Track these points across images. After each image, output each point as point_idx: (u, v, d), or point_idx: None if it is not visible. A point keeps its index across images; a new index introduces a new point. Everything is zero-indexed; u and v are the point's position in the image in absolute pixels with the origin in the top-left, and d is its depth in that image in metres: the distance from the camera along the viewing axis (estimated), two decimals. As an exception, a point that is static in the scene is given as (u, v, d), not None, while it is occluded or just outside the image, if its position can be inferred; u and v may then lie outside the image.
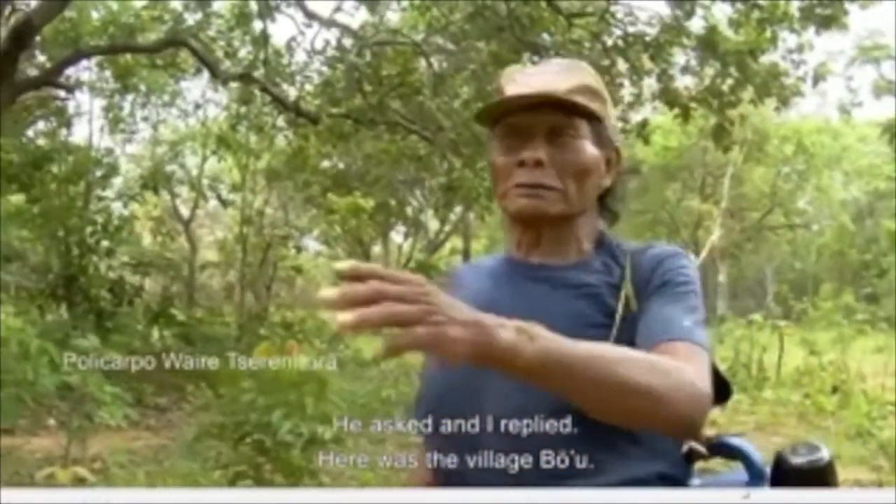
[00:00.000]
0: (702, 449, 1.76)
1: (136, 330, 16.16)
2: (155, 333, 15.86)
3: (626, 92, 15.67)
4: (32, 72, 16.75)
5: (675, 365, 1.55)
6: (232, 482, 5.33)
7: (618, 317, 1.74)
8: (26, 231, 18.53)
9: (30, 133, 20.16)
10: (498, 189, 1.90)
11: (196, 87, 21.04)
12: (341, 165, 22.26)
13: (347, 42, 15.36)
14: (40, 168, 17.87)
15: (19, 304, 17.12)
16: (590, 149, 1.84)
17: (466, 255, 29.61)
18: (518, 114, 1.84)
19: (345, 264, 1.30)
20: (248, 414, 5.91)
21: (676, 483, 1.74)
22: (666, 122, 21.18)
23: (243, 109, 17.60)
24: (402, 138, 16.19)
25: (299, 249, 24.20)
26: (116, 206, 20.43)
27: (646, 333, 1.68)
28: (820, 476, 1.69)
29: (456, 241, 30.67)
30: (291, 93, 16.52)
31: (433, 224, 28.79)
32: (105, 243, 18.43)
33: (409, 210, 27.55)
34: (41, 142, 19.99)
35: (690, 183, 34.71)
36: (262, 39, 15.62)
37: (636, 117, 16.19)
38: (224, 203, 24.12)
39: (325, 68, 16.16)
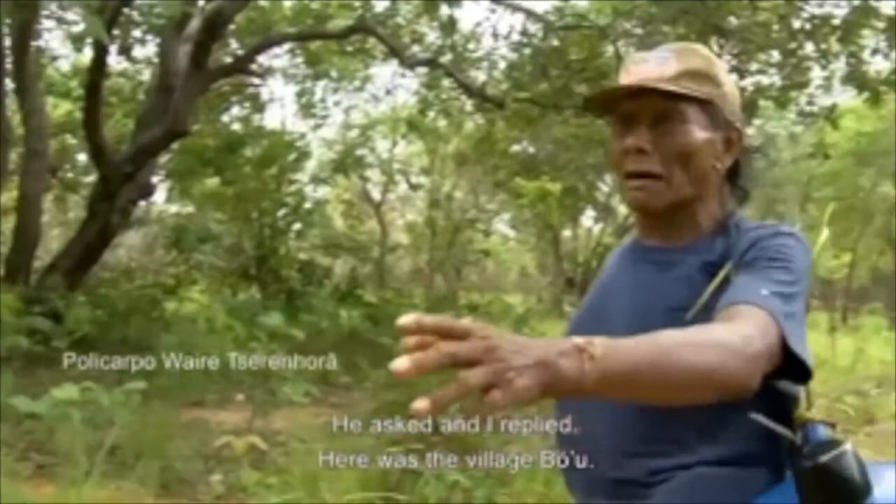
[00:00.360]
0: (787, 432, 1.72)
1: (324, 310, 16.50)
2: (343, 313, 16.16)
3: (815, 75, 15.29)
4: (226, 60, 17.31)
5: (727, 331, 1.54)
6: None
7: (706, 294, 1.75)
8: (221, 213, 19.19)
9: (224, 118, 20.84)
10: (617, 177, 1.94)
11: (386, 72, 21.45)
12: (530, 150, 22.31)
13: (533, 27, 15.39)
14: (235, 152, 18.43)
15: (212, 283, 17.77)
16: (698, 133, 1.84)
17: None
18: (624, 102, 1.86)
19: (408, 318, 1.26)
20: (423, 392, 6.06)
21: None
22: (860, 107, 20.51)
23: (432, 94, 17.79)
24: (589, 122, 16.13)
25: (487, 233, 24.36)
26: (308, 190, 20.99)
27: (722, 302, 1.67)
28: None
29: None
30: (479, 77, 16.64)
31: (623, 208, 28.62)
32: (296, 225, 18.93)
33: (598, 194, 27.41)
34: (235, 127, 20.61)
35: (886, 168, 33.48)
36: (449, 25, 15.76)
37: (826, 101, 15.79)
38: (413, 187, 24.47)
39: (511, 53, 16.23)
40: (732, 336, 1.53)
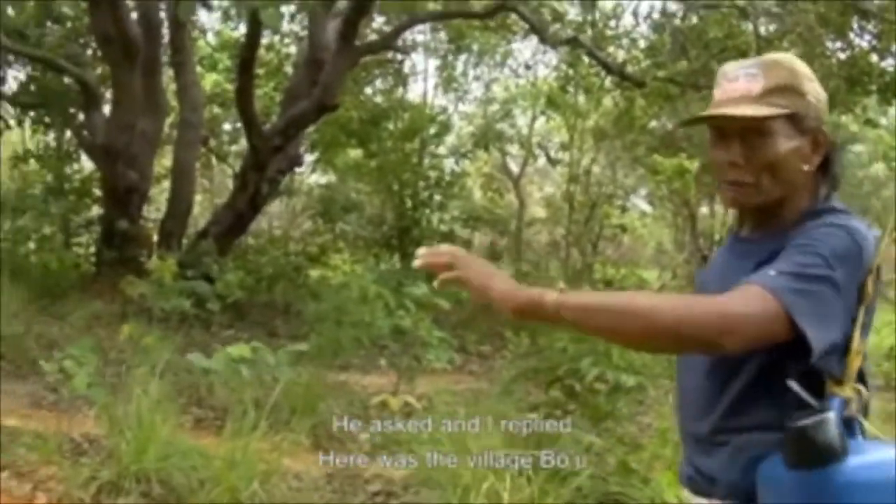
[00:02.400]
0: (811, 401, 1.96)
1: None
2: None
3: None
4: (370, 34, 17.69)
5: (697, 298, 1.95)
6: (544, 422, 5.77)
7: None
8: (363, 184, 19.64)
9: (368, 91, 21.22)
10: (716, 178, 2.25)
11: (527, 48, 21.56)
12: (669, 126, 22.26)
13: (674, 6, 15.45)
14: (377, 125, 18.85)
15: (356, 252, 18.24)
16: (784, 143, 2.11)
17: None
18: (718, 118, 2.15)
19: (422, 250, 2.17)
20: (560, 361, 6.41)
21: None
22: None
23: (572, 71, 17.92)
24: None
25: (624, 208, 24.35)
26: (449, 162, 21.30)
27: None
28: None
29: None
30: (619, 55, 16.74)
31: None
32: (437, 197, 19.27)
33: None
34: (378, 99, 21.00)
35: None
36: (590, 3, 15.89)
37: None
38: (552, 161, 24.58)
39: (650, 32, 16.32)
40: (699, 300, 1.92)
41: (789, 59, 2.23)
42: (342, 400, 7.96)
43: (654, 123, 21.56)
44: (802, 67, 2.21)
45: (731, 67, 2.25)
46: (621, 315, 1.86)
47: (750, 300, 1.87)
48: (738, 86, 2.17)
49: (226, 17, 18.78)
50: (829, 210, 2.15)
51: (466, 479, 4.92)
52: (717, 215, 27.12)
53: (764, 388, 2.04)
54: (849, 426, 1.96)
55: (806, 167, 2.16)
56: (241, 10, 13.50)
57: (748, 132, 2.11)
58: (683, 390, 2.27)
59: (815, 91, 2.19)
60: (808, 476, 1.86)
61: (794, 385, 1.96)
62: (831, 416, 1.88)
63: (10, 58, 16.82)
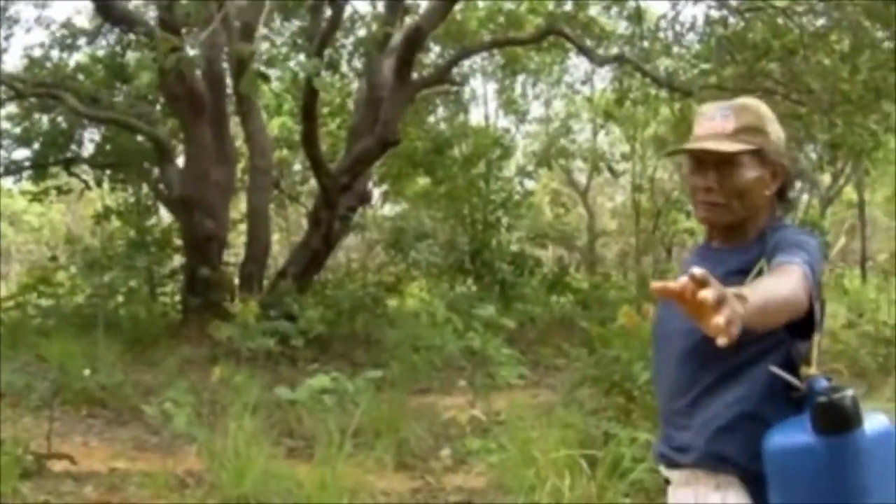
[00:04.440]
0: (798, 383, 2.45)
1: (536, 298, 17.19)
2: (553, 300, 16.81)
3: None
4: (426, 64, 18.19)
5: (790, 280, 2.31)
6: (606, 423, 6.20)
7: (748, 281, 2.44)
8: (433, 211, 20.09)
9: (430, 119, 21.70)
10: (690, 199, 2.77)
11: (581, 63, 21.84)
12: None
13: (716, 13, 15.65)
14: (442, 153, 19.31)
15: (430, 278, 18.69)
16: (750, 173, 2.59)
17: (861, 207, 29.16)
18: (697, 151, 2.64)
19: (657, 284, 1.96)
20: (615, 368, 6.87)
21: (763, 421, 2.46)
22: None
23: (625, 84, 18.22)
24: (781, 99, 16.26)
25: (690, 213, 24.48)
26: (515, 182, 21.67)
27: (774, 262, 2.42)
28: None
29: (851, 193, 30.12)
30: (668, 66, 17.01)
31: (826, 180, 28.35)
32: (505, 218, 19.67)
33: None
34: (442, 127, 21.47)
35: None
36: (637, 16, 16.21)
37: None
38: (615, 173, 24.85)
39: (695, 42, 16.58)
40: (794, 281, 2.31)
41: (756, 103, 2.73)
42: (423, 420, 8.41)
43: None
44: (766, 111, 2.70)
45: (708, 108, 2.73)
46: (781, 308, 2.24)
47: (803, 283, 2.33)
48: (714, 124, 2.65)
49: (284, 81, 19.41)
50: (785, 226, 2.65)
51: (531, 480, 5.38)
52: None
53: (739, 372, 2.49)
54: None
55: (767, 193, 2.64)
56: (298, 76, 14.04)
57: (721, 163, 2.59)
58: (666, 373, 2.71)
59: (776, 131, 2.68)
60: (837, 439, 2.29)
61: (776, 370, 2.43)
62: (850, 392, 2.32)
63: (85, 121, 17.61)
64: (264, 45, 18.42)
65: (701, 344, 2.40)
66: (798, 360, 2.47)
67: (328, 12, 14.08)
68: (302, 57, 15.00)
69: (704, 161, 2.63)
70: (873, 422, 2.34)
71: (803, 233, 2.62)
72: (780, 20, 14.84)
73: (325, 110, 19.72)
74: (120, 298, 16.21)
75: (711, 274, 2.18)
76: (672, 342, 2.63)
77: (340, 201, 14.97)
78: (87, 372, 9.57)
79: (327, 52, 15.93)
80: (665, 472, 2.72)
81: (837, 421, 2.30)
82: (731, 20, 15.59)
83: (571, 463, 5.37)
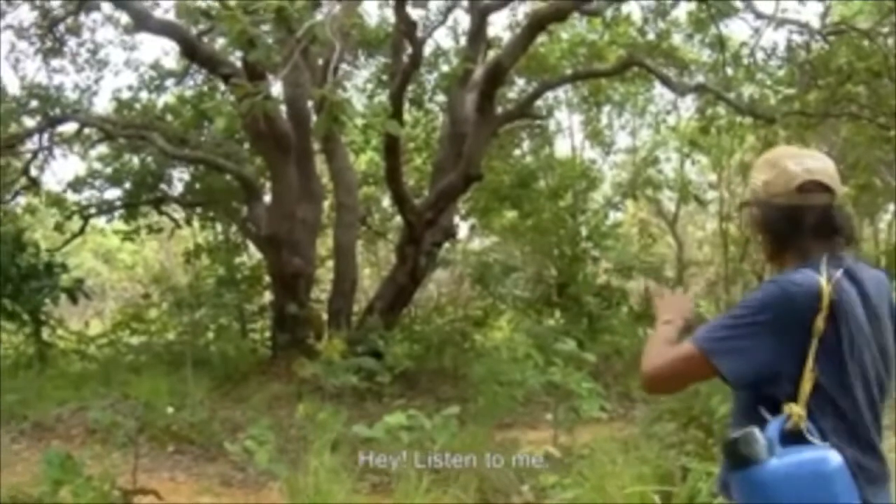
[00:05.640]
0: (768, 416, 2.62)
1: (623, 330, 17.11)
2: (640, 332, 16.71)
3: None
4: (509, 96, 18.28)
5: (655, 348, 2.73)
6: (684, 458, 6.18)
7: None
8: (521, 244, 20.10)
9: (516, 153, 21.74)
10: None
11: (666, 92, 21.71)
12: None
13: (798, 38, 15.52)
14: (528, 186, 19.31)
15: (517, 313, 18.68)
16: (746, 223, 2.99)
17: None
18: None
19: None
20: (694, 400, 6.86)
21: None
22: None
23: (710, 112, 18.09)
24: (867, 123, 16.07)
25: (780, 241, 24.20)
26: (602, 214, 21.59)
27: None
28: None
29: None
30: (752, 93, 16.86)
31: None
32: (593, 252, 19.59)
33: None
34: (527, 159, 21.49)
35: None
36: (719, 44, 16.11)
37: None
38: (702, 202, 24.63)
39: (777, 69, 16.44)
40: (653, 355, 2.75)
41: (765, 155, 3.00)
42: (507, 455, 8.42)
43: (803, 151, 21.44)
44: (760, 159, 2.96)
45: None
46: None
47: (674, 353, 2.70)
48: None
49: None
50: (771, 280, 2.75)
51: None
52: (881, 232, 26.69)
53: (751, 409, 2.62)
54: (795, 435, 2.53)
55: (759, 238, 2.87)
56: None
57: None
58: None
59: (756, 177, 2.88)
60: (740, 475, 2.50)
61: (761, 410, 2.58)
62: (754, 430, 2.49)
63: (174, 161, 17.97)
64: (347, 84, 18.67)
65: None
66: (780, 396, 2.58)
67: (410, 49, 14.21)
68: (384, 96, 15.17)
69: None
70: (787, 455, 2.49)
71: (771, 281, 2.71)
72: (864, 42, 14.65)
73: (411, 146, 19.90)
74: (210, 335, 16.48)
75: None
76: None
77: (426, 236, 15.06)
78: (170, 410, 9.76)
79: (410, 88, 16.09)
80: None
81: (734, 458, 2.52)
82: (814, 44, 15.46)
83: (646, 498, 5.37)
